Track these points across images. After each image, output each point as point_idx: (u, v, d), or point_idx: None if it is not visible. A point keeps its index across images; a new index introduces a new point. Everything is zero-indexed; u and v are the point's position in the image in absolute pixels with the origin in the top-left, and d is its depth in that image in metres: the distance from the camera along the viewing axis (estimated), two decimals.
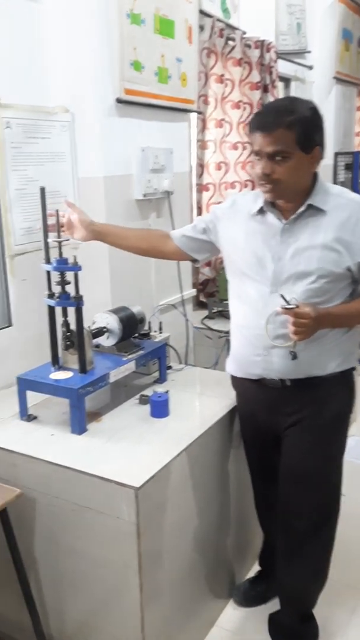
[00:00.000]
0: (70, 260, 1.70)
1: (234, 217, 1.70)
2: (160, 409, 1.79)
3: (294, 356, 1.55)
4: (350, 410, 1.73)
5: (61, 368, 1.81)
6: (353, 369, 1.68)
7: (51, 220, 1.76)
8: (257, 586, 2.04)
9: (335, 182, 5.03)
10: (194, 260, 1.88)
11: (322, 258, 1.52)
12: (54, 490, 1.57)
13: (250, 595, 2.02)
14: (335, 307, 1.56)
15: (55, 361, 1.81)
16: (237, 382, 1.81)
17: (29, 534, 1.65)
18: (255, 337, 1.63)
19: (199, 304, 3.17)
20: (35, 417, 1.80)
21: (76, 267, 1.69)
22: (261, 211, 1.63)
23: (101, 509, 1.49)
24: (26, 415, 1.78)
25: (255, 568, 2.13)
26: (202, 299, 3.21)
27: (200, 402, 1.94)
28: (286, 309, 1.45)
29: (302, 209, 1.55)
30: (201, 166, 3.10)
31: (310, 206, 1.54)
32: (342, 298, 1.58)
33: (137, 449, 1.60)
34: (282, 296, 1.47)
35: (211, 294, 3.24)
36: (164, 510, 1.55)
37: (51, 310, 1.79)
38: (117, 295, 2.30)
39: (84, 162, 2.21)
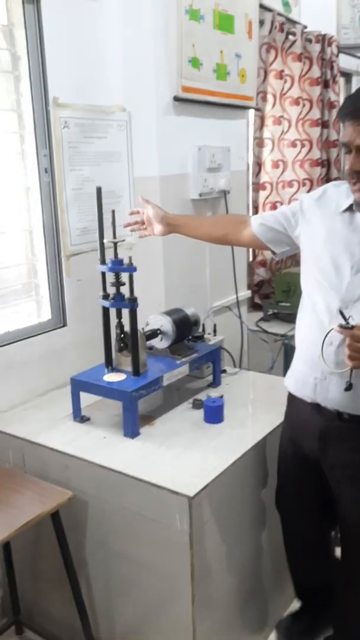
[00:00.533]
0: (126, 261, 1.67)
1: (320, 210, 1.48)
2: (214, 414, 1.74)
3: (348, 386, 1.32)
4: None
5: (114, 370, 1.79)
6: None
7: (132, 218, 1.74)
8: (302, 621, 1.82)
9: None
10: (273, 253, 1.67)
11: None
12: (105, 495, 1.55)
13: (295, 631, 1.81)
14: None
15: (109, 363, 1.79)
16: (292, 400, 1.60)
17: (80, 536, 1.64)
18: (313, 357, 1.43)
19: (254, 306, 3.10)
20: (88, 419, 1.79)
21: (131, 268, 1.66)
22: (351, 209, 1.41)
23: (153, 516, 1.46)
24: (79, 417, 1.77)
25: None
26: (257, 300, 3.13)
27: (255, 409, 1.88)
28: (343, 327, 1.27)
29: None
30: (258, 164, 3.03)
31: None
32: None
33: (191, 456, 1.56)
34: (341, 312, 1.29)
35: (266, 295, 3.17)
36: (216, 521, 1.51)
37: (105, 311, 1.77)
38: (170, 296, 2.27)
39: (140, 161, 2.19)
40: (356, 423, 1.41)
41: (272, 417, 1.76)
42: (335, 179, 3.62)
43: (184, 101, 2.18)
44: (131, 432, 1.66)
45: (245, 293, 2.76)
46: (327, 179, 3.54)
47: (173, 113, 2.17)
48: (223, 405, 1.76)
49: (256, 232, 1.65)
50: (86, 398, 1.80)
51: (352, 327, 1.25)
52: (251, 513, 1.70)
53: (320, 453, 1.50)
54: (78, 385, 1.75)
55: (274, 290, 2.98)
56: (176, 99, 2.15)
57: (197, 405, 1.85)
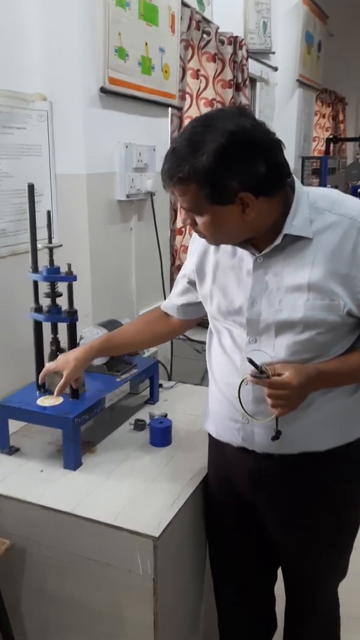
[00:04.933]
0: (64, 269, 1.47)
1: (202, 251, 1.33)
2: (161, 436, 1.60)
3: (276, 434, 1.16)
4: None
5: (47, 392, 1.58)
6: None
7: None
8: None
9: None
10: None
11: (311, 303, 1.14)
12: (48, 539, 1.35)
13: None
14: (328, 362, 1.18)
15: (41, 385, 1.58)
16: (215, 442, 1.41)
17: (16, 588, 1.41)
18: (231, 399, 1.26)
19: None
20: (17, 449, 1.56)
21: (71, 277, 1.47)
22: None
23: (109, 560, 1.28)
24: (7, 448, 1.54)
25: None
26: None
27: (200, 426, 1.75)
28: (257, 377, 1.12)
29: (277, 241, 1.15)
30: None
31: (287, 235, 1.15)
32: (344, 348, 1.20)
33: (145, 487, 1.40)
34: (251, 360, 1.12)
35: None
36: (179, 559, 1.36)
37: (37, 326, 1.55)
38: (98, 306, 2.08)
39: (63, 156, 1.97)
40: (285, 460, 1.26)
41: None
42: None
43: (111, 94, 2.01)
44: (73, 463, 1.46)
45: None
46: None
47: (99, 106, 1.98)
48: (171, 426, 1.61)
49: (184, 317, 1.51)
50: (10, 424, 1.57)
51: (268, 377, 1.11)
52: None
53: (253, 495, 1.35)
54: (6, 412, 1.51)
55: None
56: (103, 90, 1.96)
57: (139, 426, 1.69)
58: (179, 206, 2.96)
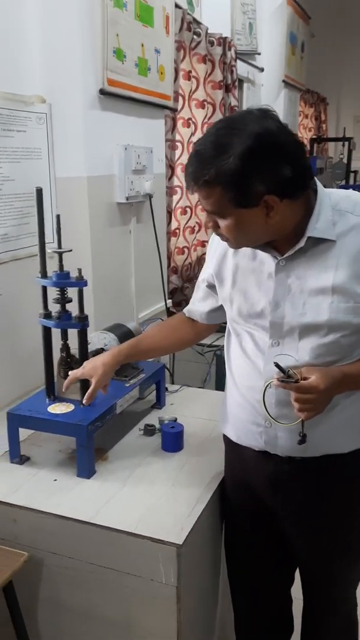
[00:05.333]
0: (74, 274, 1.45)
1: (220, 255, 1.31)
2: (174, 441, 1.58)
3: (302, 439, 1.15)
4: None
5: (57, 399, 1.55)
6: None
7: None
8: None
9: None
10: None
11: (335, 306, 1.14)
12: (65, 550, 1.32)
13: None
14: (352, 365, 1.18)
15: (51, 392, 1.55)
16: (234, 447, 1.39)
17: (32, 600, 1.39)
18: (254, 403, 1.25)
19: (169, 315, 2.96)
20: (28, 459, 1.53)
21: (81, 282, 1.44)
22: None
23: (129, 570, 1.26)
24: (18, 457, 1.51)
25: None
26: (172, 309, 3.00)
27: (209, 430, 1.74)
28: (284, 381, 1.11)
29: (300, 244, 1.15)
30: (171, 167, 2.90)
31: (310, 238, 1.15)
32: None
33: (163, 494, 1.38)
34: (277, 364, 1.11)
35: (179, 303, 3.05)
36: (201, 566, 1.35)
37: (47, 332, 1.52)
38: (100, 310, 2.05)
39: (62, 160, 1.95)
40: (306, 464, 1.26)
41: None
42: None
43: (109, 95, 1.99)
44: (87, 471, 1.44)
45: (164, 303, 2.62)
46: None
47: (99, 108, 1.96)
48: (183, 430, 1.60)
49: (209, 322, 1.49)
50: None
51: (297, 381, 1.10)
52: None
53: (272, 499, 1.34)
54: (17, 421, 1.48)
55: (186, 297, 2.87)
56: (102, 92, 1.94)
57: (149, 431, 1.67)
58: (173, 207, 2.95)
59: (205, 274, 1.40)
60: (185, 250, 3.17)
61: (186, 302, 3.03)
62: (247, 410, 1.29)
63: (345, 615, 1.49)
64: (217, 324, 1.51)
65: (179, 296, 3.09)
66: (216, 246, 1.33)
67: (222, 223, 1.13)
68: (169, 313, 2.96)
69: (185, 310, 1.54)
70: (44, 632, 1.42)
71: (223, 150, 1.04)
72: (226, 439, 1.43)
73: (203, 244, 3.44)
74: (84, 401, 1.44)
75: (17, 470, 1.48)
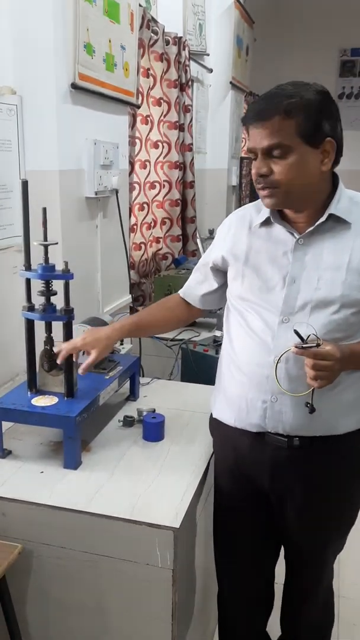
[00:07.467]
0: (60, 267, 1.45)
1: (234, 235, 1.40)
2: (155, 431, 1.61)
3: (312, 409, 1.21)
4: None
5: (39, 392, 1.55)
6: None
7: None
8: None
9: (240, 191, 5.10)
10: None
11: (350, 282, 1.23)
12: (58, 540, 1.33)
13: None
14: (358, 343, 1.27)
15: (33, 385, 1.54)
16: (225, 432, 1.43)
17: (24, 593, 1.38)
18: (260, 379, 1.31)
19: (130, 310, 2.98)
20: (9, 452, 1.52)
21: (68, 275, 1.45)
22: (267, 222, 1.33)
23: (124, 556, 1.29)
24: (1, 451, 1.50)
25: None
26: (131, 304, 3.02)
27: (186, 419, 1.79)
28: (303, 347, 1.17)
29: (322, 219, 1.25)
30: (131, 164, 2.91)
31: (331, 216, 1.25)
32: None
33: (152, 481, 1.41)
34: (297, 332, 1.17)
35: (136, 298, 3.07)
36: (192, 549, 1.39)
37: (30, 325, 1.52)
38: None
39: (33, 153, 1.93)
40: (304, 449, 1.32)
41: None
42: (191, 183, 3.67)
43: (80, 90, 1.99)
44: (74, 462, 1.45)
45: (128, 298, 2.64)
46: (183, 183, 3.58)
47: (70, 102, 1.96)
48: (164, 420, 1.63)
49: (203, 306, 1.58)
50: None
51: (318, 345, 1.17)
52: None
53: (268, 482, 1.39)
54: (0, 414, 1.47)
55: (154, 292, 2.91)
56: (74, 86, 1.94)
57: (128, 422, 1.70)
58: (132, 203, 2.96)
59: (213, 255, 1.47)
60: (142, 246, 3.19)
61: (143, 297, 3.09)
62: (251, 387, 1.34)
63: (326, 592, 1.57)
64: (207, 310, 1.59)
65: (137, 291, 3.10)
66: (229, 227, 1.42)
67: (281, 163, 1.20)
68: (131, 309, 2.98)
69: (180, 291, 1.61)
70: (37, 624, 1.41)
71: (304, 88, 1.20)
72: (218, 426, 1.47)
73: (158, 240, 3.48)
74: (79, 371, 1.47)
75: (1, 464, 1.47)
